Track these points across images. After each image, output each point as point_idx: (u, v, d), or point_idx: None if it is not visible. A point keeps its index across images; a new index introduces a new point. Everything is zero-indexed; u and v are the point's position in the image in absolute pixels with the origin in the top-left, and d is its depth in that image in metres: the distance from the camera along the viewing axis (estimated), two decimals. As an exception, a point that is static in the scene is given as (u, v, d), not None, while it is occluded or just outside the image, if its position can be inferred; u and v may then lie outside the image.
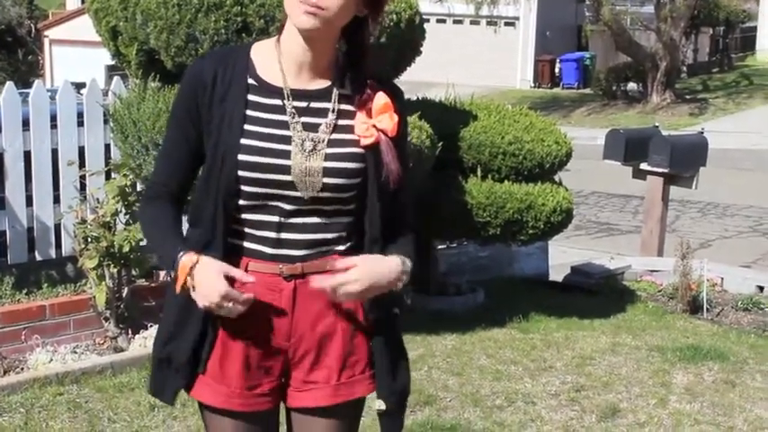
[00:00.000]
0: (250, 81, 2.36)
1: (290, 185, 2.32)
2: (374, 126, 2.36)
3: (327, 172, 2.33)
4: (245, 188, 2.32)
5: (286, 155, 2.31)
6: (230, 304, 2.27)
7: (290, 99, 2.34)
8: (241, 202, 2.34)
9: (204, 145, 2.37)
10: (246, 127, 2.32)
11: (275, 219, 2.35)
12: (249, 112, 2.33)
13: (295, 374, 2.44)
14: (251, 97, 2.34)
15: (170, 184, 2.44)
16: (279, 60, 2.36)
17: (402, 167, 2.40)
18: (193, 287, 2.29)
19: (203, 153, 2.40)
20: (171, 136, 2.45)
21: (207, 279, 2.27)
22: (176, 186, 2.44)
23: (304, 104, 2.35)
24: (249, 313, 2.35)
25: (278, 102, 2.34)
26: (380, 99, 2.37)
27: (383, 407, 2.46)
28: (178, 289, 2.31)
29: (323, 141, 2.34)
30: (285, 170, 2.31)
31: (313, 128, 2.35)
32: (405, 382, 2.51)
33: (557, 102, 29.86)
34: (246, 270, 2.35)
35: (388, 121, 2.36)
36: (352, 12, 2.29)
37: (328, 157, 2.33)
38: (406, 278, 2.41)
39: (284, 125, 2.33)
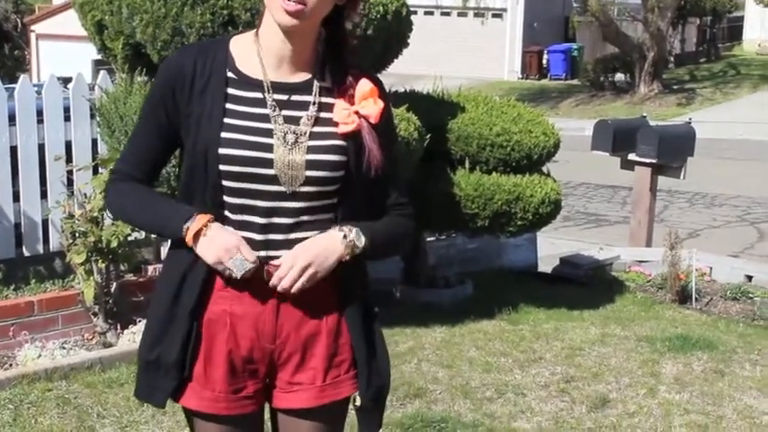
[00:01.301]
0: (229, 74, 2.33)
1: (273, 179, 2.30)
2: (356, 113, 2.34)
3: (310, 165, 2.31)
4: (226, 183, 2.30)
5: (268, 148, 2.29)
6: (239, 255, 2.26)
7: (271, 92, 2.33)
8: (224, 198, 2.31)
9: (182, 139, 2.36)
10: (227, 120, 2.29)
11: (259, 220, 2.32)
12: (229, 106, 2.31)
13: (280, 375, 2.42)
14: (231, 91, 2.32)
15: (135, 174, 2.41)
16: (258, 53, 2.34)
17: (388, 155, 2.38)
18: (200, 240, 2.28)
19: (174, 146, 2.40)
20: (143, 125, 2.43)
21: (222, 231, 2.27)
22: (142, 176, 2.42)
23: (285, 97, 2.33)
24: (233, 316, 2.35)
25: (258, 95, 2.33)
26: (365, 85, 2.36)
27: (359, 403, 2.45)
28: (191, 237, 2.27)
29: (305, 134, 2.32)
30: (268, 163, 2.29)
31: (294, 121, 2.32)
32: (383, 380, 2.48)
33: (545, 93, 29.86)
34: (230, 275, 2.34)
35: (372, 107, 2.35)
36: (333, 1, 2.28)
37: (310, 150, 2.31)
38: (358, 245, 2.34)
39: (265, 118, 2.31)
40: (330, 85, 2.36)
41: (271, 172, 2.29)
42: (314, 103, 2.34)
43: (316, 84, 2.35)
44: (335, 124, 2.34)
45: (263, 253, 2.33)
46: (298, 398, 2.42)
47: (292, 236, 2.33)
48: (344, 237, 2.33)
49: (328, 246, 2.32)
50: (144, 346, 2.42)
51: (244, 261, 2.27)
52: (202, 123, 2.30)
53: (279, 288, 2.30)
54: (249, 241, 2.31)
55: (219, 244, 2.27)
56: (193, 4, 5.61)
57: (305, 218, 2.35)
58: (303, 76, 2.35)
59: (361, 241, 2.34)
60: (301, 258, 2.29)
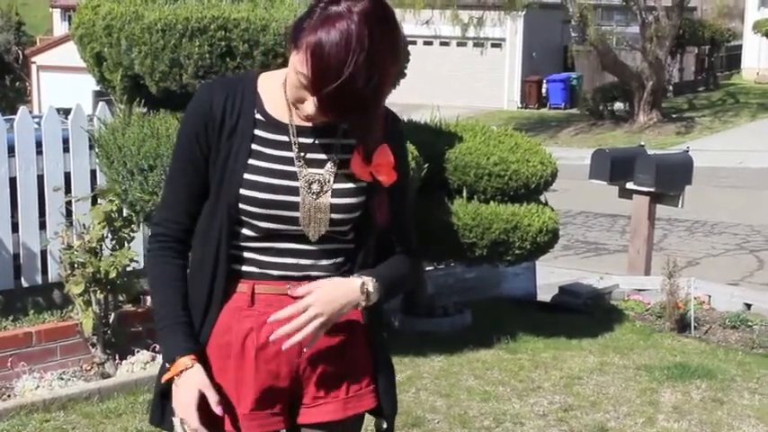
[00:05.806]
0: (257, 116, 2.34)
1: (296, 221, 2.33)
2: (371, 173, 2.35)
3: (335, 208, 2.34)
4: (249, 221, 2.32)
5: (293, 191, 2.31)
6: (184, 425, 2.31)
7: (296, 135, 2.34)
8: (245, 231, 2.34)
9: (210, 177, 2.36)
10: (251, 162, 2.31)
11: (277, 260, 2.35)
12: (255, 147, 2.32)
13: (306, 390, 2.44)
14: (258, 132, 2.33)
15: (183, 220, 2.39)
16: (286, 97, 2.33)
17: (399, 205, 2.43)
18: (174, 382, 2.33)
19: (209, 184, 2.38)
20: (180, 167, 2.39)
21: (187, 393, 2.31)
22: (189, 220, 2.39)
23: (309, 141, 2.34)
24: (259, 334, 2.36)
25: (284, 138, 2.34)
26: (384, 155, 2.35)
27: (384, 426, 2.50)
28: (163, 379, 2.35)
29: (329, 181, 2.34)
30: (292, 207, 2.32)
31: (319, 164, 2.34)
32: (396, 403, 2.55)
33: (544, 122, 29.95)
34: (253, 293, 2.36)
35: (385, 176, 2.35)
36: None
37: (335, 194, 2.34)
38: (372, 299, 2.36)
39: (290, 161, 2.33)
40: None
41: (295, 215, 2.32)
42: (338, 147, 2.35)
43: (340, 126, 2.35)
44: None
45: (283, 273, 2.36)
46: (323, 411, 2.44)
47: (310, 262, 2.37)
48: (363, 286, 2.34)
49: (345, 294, 2.34)
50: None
51: (181, 427, 2.32)
52: (228, 164, 2.31)
53: (283, 347, 2.30)
54: (269, 265, 2.35)
55: (179, 399, 2.32)
56: (191, 35, 5.64)
57: (323, 262, 2.38)
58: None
59: (377, 295, 2.37)
60: (314, 308, 2.29)
